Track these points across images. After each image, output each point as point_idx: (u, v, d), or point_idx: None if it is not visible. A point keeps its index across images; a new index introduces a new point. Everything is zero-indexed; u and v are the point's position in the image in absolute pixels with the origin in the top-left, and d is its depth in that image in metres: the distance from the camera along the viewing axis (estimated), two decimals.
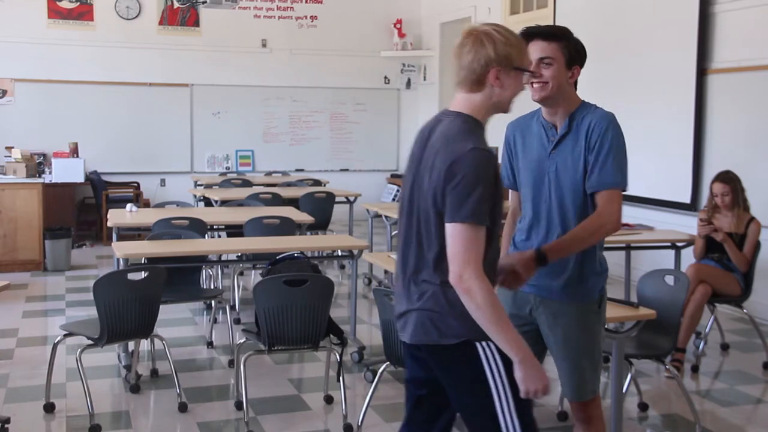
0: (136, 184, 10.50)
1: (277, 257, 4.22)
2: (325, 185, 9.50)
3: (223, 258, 5.79)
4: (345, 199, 8.29)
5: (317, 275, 4.08)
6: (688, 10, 7.00)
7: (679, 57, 7.08)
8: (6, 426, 3.88)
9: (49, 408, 4.21)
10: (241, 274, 7.28)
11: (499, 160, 2.93)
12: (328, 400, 4.40)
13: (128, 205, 6.69)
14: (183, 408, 4.24)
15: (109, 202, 9.43)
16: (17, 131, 10.08)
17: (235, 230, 6.28)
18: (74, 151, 9.85)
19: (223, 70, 11.23)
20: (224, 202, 7.54)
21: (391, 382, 4.68)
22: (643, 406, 4.37)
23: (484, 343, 2.20)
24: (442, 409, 2.41)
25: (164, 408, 4.32)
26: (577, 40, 2.74)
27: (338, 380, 4.06)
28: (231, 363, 5.02)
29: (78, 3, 10.59)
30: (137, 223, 6.34)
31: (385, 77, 12.14)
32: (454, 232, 2.14)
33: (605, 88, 7.15)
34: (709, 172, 6.17)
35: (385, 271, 6.54)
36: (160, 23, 11.01)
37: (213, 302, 5.80)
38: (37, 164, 9.07)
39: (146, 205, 9.88)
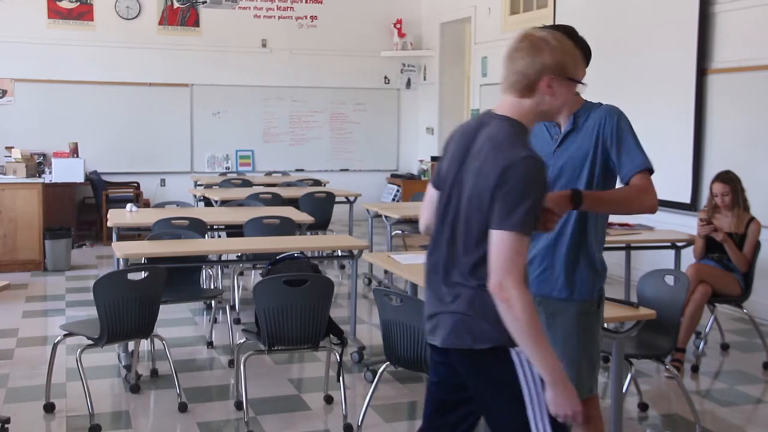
0: (136, 184, 10.49)
1: (277, 257, 4.22)
2: (325, 185, 9.50)
3: (223, 258, 5.79)
4: (345, 199, 8.29)
5: (317, 275, 4.08)
6: (688, 10, 7.00)
7: (679, 57, 7.08)
8: (6, 426, 3.88)
9: (49, 408, 4.21)
10: (241, 274, 7.28)
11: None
12: (328, 400, 4.40)
13: (128, 205, 6.69)
14: (183, 408, 4.24)
15: (109, 202, 9.43)
16: (17, 131, 10.09)
17: (235, 230, 6.28)
18: (74, 151, 9.85)
19: (223, 70, 11.23)
20: (224, 202, 7.54)
21: (391, 382, 4.68)
22: (643, 406, 4.37)
23: (519, 350, 2.14)
24: (466, 416, 2.35)
25: (164, 408, 4.32)
26: (582, 39, 2.74)
27: (338, 380, 4.06)
28: (231, 363, 5.02)
29: (78, 3, 10.59)
30: (137, 223, 6.34)
31: (385, 77, 12.14)
32: (499, 239, 2.09)
33: (605, 88, 7.12)
34: (709, 172, 6.16)
35: (385, 271, 6.54)
36: (160, 23, 11.01)
37: (213, 302, 5.80)
38: (37, 164, 9.07)
39: (146, 205, 9.88)
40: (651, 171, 2.65)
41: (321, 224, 7.82)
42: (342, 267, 8.21)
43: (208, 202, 7.98)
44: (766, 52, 6.32)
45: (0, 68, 10.29)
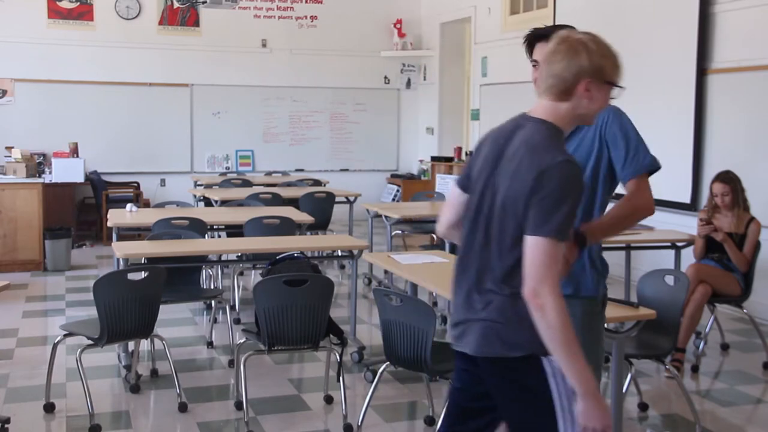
0: (136, 184, 10.49)
1: (277, 257, 4.22)
2: (325, 185, 9.50)
3: (223, 258, 5.79)
4: (345, 199, 8.29)
5: (317, 275, 4.08)
6: (688, 10, 7.00)
7: (679, 57, 7.08)
8: (6, 426, 3.88)
9: (49, 408, 4.21)
10: (241, 274, 7.28)
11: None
12: (328, 400, 4.40)
13: (128, 205, 6.69)
14: (183, 408, 4.24)
15: (109, 202, 9.43)
16: (17, 131, 10.08)
17: (235, 230, 6.28)
18: (74, 151, 9.85)
19: (223, 70, 11.23)
20: (224, 202, 7.54)
21: (391, 382, 4.68)
22: (643, 406, 4.37)
23: (552, 359, 2.10)
24: (488, 424, 2.31)
25: (164, 408, 4.32)
26: None
27: (338, 380, 4.06)
28: (231, 363, 5.02)
29: (78, 3, 10.59)
30: (137, 223, 6.34)
31: (385, 77, 12.14)
32: (534, 245, 2.05)
33: None
34: (709, 172, 6.16)
35: (385, 271, 6.54)
36: (160, 23, 11.01)
37: (213, 302, 5.80)
38: (37, 164, 9.07)
39: (146, 205, 9.88)
40: (651, 172, 2.65)
41: (321, 224, 7.82)
42: (342, 267, 8.21)
43: (208, 202, 7.98)
44: (766, 52, 6.32)
45: (0, 68, 10.29)
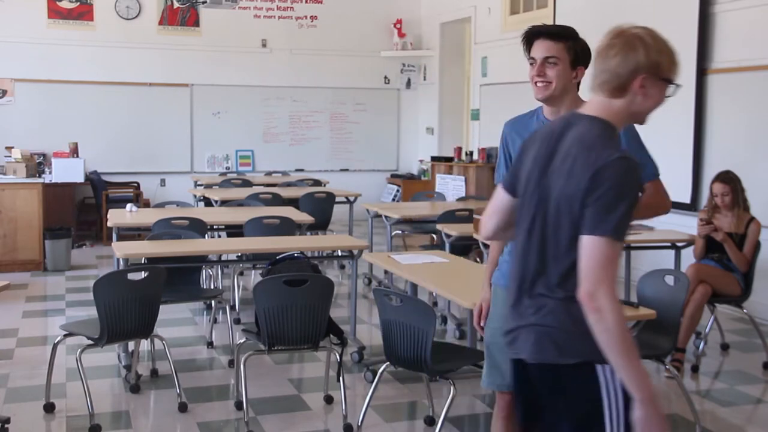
0: (136, 184, 10.50)
1: (277, 257, 4.22)
2: (325, 185, 9.50)
3: (223, 258, 5.79)
4: (345, 199, 8.29)
5: (317, 275, 4.08)
6: (688, 10, 7.00)
7: (679, 57, 7.06)
8: (6, 426, 3.88)
9: (49, 408, 4.21)
10: (241, 274, 7.28)
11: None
12: (328, 400, 4.40)
13: (128, 205, 6.69)
14: (183, 408, 4.24)
15: (109, 202, 9.43)
16: (17, 131, 10.09)
17: (235, 230, 6.28)
18: (74, 151, 9.85)
19: (223, 70, 11.23)
20: (224, 202, 7.54)
21: (391, 382, 4.68)
22: None
23: (606, 367, 2.01)
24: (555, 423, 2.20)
25: (164, 408, 4.32)
26: (583, 40, 2.74)
27: (338, 380, 4.06)
28: (231, 363, 5.02)
29: (78, 3, 10.59)
30: (137, 223, 6.34)
31: (385, 77, 12.14)
32: (591, 246, 1.96)
33: None
34: (709, 172, 6.16)
35: (385, 271, 6.54)
36: (160, 23, 11.01)
37: (213, 302, 5.80)
38: (37, 164, 9.07)
39: (146, 205, 9.88)
40: (659, 176, 2.69)
41: (321, 224, 7.82)
42: (342, 267, 8.21)
43: (208, 202, 7.99)
44: (766, 52, 6.32)
45: (0, 68, 10.30)
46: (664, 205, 2.68)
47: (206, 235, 6.02)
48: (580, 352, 2.04)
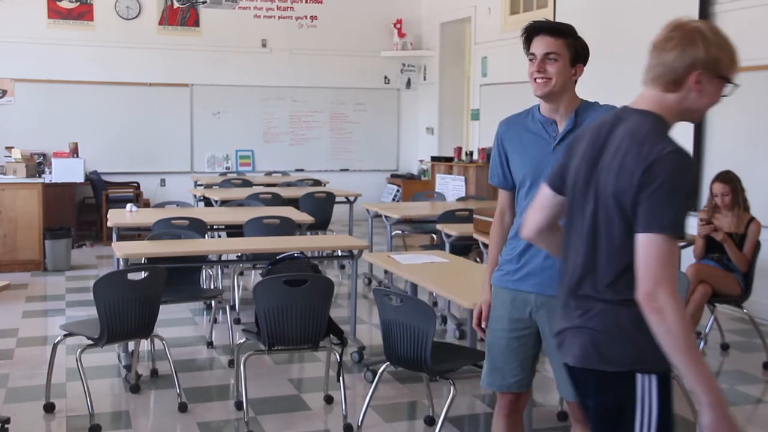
0: (136, 184, 10.50)
1: (277, 257, 4.21)
2: (325, 185, 9.50)
3: (223, 258, 5.79)
4: (345, 199, 8.29)
5: (317, 275, 4.07)
6: (688, 10, 6.99)
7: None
8: (6, 426, 3.88)
9: (49, 408, 4.21)
10: (241, 274, 7.28)
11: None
12: (328, 400, 4.40)
13: (128, 205, 6.70)
14: (183, 408, 4.24)
15: (109, 202, 9.44)
16: (17, 131, 10.09)
17: (235, 230, 6.28)
18: (74, 151, 9.85)
19: (223, 70, 11.23)
20: (224, 202, 7.54)
21: (391, 382, 4.68)
22: None
23: (646, 377, 1.95)
24: None
25: (164, 408, 4.32)
26: (582, 39, 2.74)
27: (338, 380, 4.06)
28: (231, 363, 5.02)
29: (78, 3, 10.60)
30: (137, 223, 6.34)
31: (385, 77, 12.14)
32: (647, 243, 1.88)
33: (605, 88, 7.12)
34: (709, 172, 6.16)
35: (385, 271, 6.54)
36: (160, 23, 11.01)
37: (213, 302, 5.80)
38: (37, 164, 9.07)
39: (146, 205, 9.88)
40: None
41: (321, 224, 7.82)
42: (342, 267, 8.21)
43: (208, 202, 7.99)
44: (766, 52, 6.32)
45: (0, 68, 10.29)
46: None
47: (206, 235, 6.03)
48: (623, 360, 1.97)
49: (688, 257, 5.53)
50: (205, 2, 11.18)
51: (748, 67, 6.56)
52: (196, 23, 11.17)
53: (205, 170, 11.20)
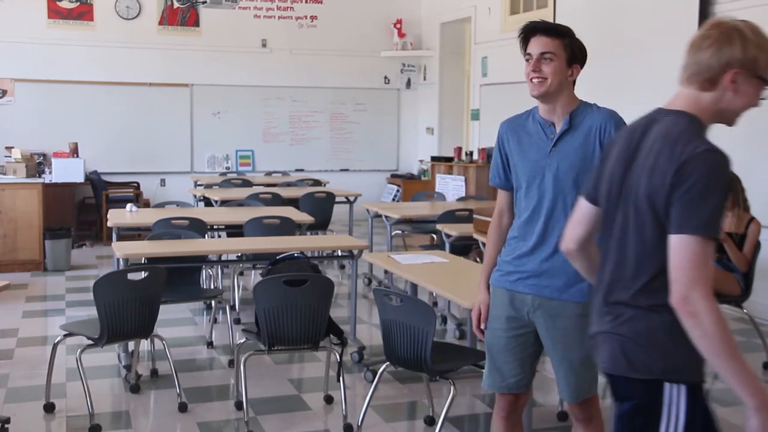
0: (136, 184, 10.50)
1: (277, 257, 4.22)
2: (325, 185, 9.50)
3: (223, 258, 5.79)
4: (345, 199, 8.29)
5: (317, 275, 4.08)
6: (688, 10, 7.00)
7: (679, 57, 7.05)
8: (6, 426, 3.88)
9: (49, 408, 4.21)
10: (241, 274, 7.28)
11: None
12: (328, 400, 4.40)
13: (128, 205, 6.70)
14: (183, 408, 4.24)
15: (109, 202, 9.44)
16: (17, 131, 10.09)
17: (235, 230, 6.28)
18: (74, 151, 9.85)
19: (223, 70, 11.23)
20: (224, 202, 7.54)
21: (391, 382, 4.68)
22: None
23: (674, 387, 1.90)
24: None
25: (164, 408, 4.32)
26: (578, 39, 2.74)
27: (338, 380, 4.06)
28: (231, 363, 5.02)
29: (78, 3, 10.60)
30: (137, 223, 6.34)
31: (385, 77, 12.14)
32: (680, 245, 1.81)
33: (605, 88, 7.14)
34: None
35: (385, 271, 6.54)
36: (160, 23, 11.01)
37: (213, 302, 5.80)
38: (37, 164, 9.07)
39: (146, 205, 9.88)
40: None
41: (321, 224, 7.82)
42: (342, 267, 8.21)
43: (208, 202, 7.99)
44: None
45: (0, 68, 10.30)
46: None
47: (206, 235, 6.03)
48: (651, 367, 1.93)
49: None
50: (205, 2, 11.18)
51: None
52: (196, 23, 11.17)
53: (205, 170, 11.20)
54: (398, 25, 11.88)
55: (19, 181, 8.07)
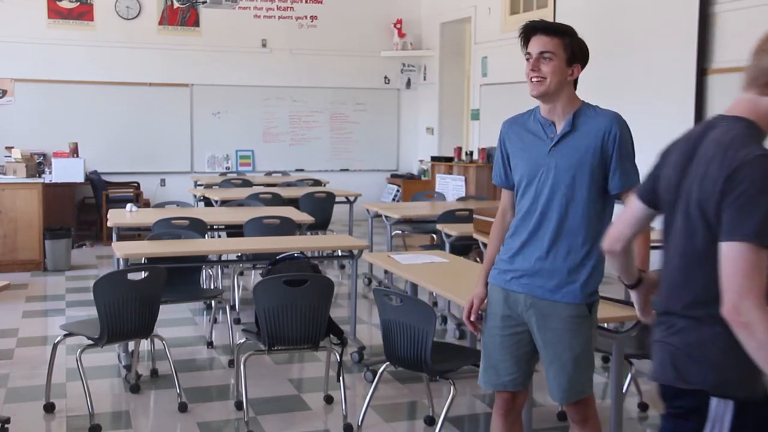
0: (136, 184, 10.50)
1: (277, 257, 4.22)
2: (325, 185, 9.50)
3: (223, 258, 5.79)
4: (345, 199, 8.29)
5: (317, 275, 4.07)
6: (688, 11, 7.00)
7: (679, 57, 7.08)
8: (6, 426, 3.88)
9: (49, 408, 4.21)
10: (241, 274, 7.28)
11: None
12: (328, 400, 4.40)
13: (128, 205, 6.69)
14: (183, 408, 4.24)
15: (109, 202, 9.44)
16: (17, 131, 10.09)
17: (235, 230, 6.28)
18: (74, 151, 9.85)
19: (223, 70, 11.23)
20: (224, 202, 7.54)
21: (391, 382, 4.68)
22: (643, 406, 4.37)
23: (721, 402, 1.86)
24: None
25: (164, 408, 4.32)
26: (581, 39, 2.73)
27: (338, 380, 4.06)
28: (231, 363, 5.02)
29: (78, 3, 10.59)
30: (137, 223, 6.34)
31: (385, 77, 12.14)
32: (731, 253, 1.76)
33: (605, 88, 7.15)
34: None
35: (385, 271, 6.54)
36: (160, 23, 11.01)
37: (213, 302, 5.80)
38: (37, 164, 9.07)
39: (146, 205, 9.88)
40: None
41: (321, 224, 7.82)
42: (342, 267, 8.21)
43: (208, 202, 7.99)
44: None
45: (0, 68, 10.30)
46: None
47: (206, 235, 6.02)
48: (698, 380, 1.89)
49: None
50: (205, 2, 11.18)
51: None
52: (196, 23, 11.17)
53: (205, 170, 11.20)
54: (398, 25, 11.88)
55: (19, 181, 8.07)
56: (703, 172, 1.87)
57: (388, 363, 3.78)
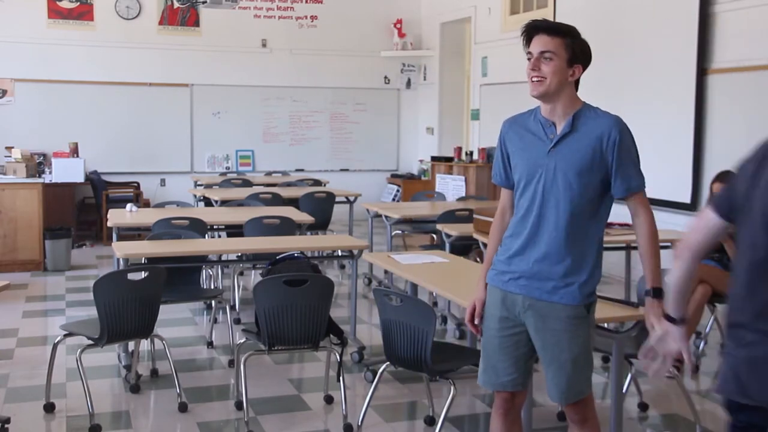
0: (136, 184, 10.50)
1: (277, 257, 4.22)
2: (325, 185, 9.50)
3: (223, 258, 5.79)
4: (345, 199, 8.29)
5: (317, 275, 4.07)
6: (688, 10, 7.00)
7: (679, 57, 7.07)
8: (6, 426, 3.88)
9: (49, 408, 4.21)
10: (241, 274, 7.28)
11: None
12: (328, 400, 4.40)
13: (128, 205, 6.69)
14: (183, 408, 4.24)
15: (109, 202, 9.44)
16: (17, 131, 10.09)
17: (235, 230, 6.28)
18: (74, 151, 9.85)
19: (223, 70, 11.23)
20: (224, 202, 7.54)
21: (391, 382, 4.68)
22: (643, 406, 4.37)
23: None
24: None
25: (164, 408, 4.32)
26: (583, 40, 2.72)
27: (338, 380, 4.06)
28: (231, 363, 5.02)
29: (78, 3, 10.59)
30: (137, 223, 6.34)
31: (385, 77, 12.14)
32: None
33: (605, 88, 7.15)
34: (709, 172, 6.17)
35: (385, 271, 6.54)
36: (160, 23, 11.01)
37: (213, 302, 5.80)
38: (37, 164, 9.07)
39: (146, 205, 9.88)
40: (643, 188, 2.73)
41: (321, 224, 7.82)
42: (342, 267, 8.21)
43: (208, 202, 7.99)
44: (766, 52, 6.32)
45: (0, 68, 10.29)
46: (653, 224, 2.75)
47: (206, 235, 6.02)
48: (760, 397, 1.87)
49: None
50: (205, 2, 11.18)
51: (748, 67, 6.60)
52: (196, 23, 11.17)
53: (205, 170, 11.20)
54: (398, 25, 11.88)
55: (19, 181, 8.07)
56: (764, 181, 1.83)
57: (388, 363, 3.78)
